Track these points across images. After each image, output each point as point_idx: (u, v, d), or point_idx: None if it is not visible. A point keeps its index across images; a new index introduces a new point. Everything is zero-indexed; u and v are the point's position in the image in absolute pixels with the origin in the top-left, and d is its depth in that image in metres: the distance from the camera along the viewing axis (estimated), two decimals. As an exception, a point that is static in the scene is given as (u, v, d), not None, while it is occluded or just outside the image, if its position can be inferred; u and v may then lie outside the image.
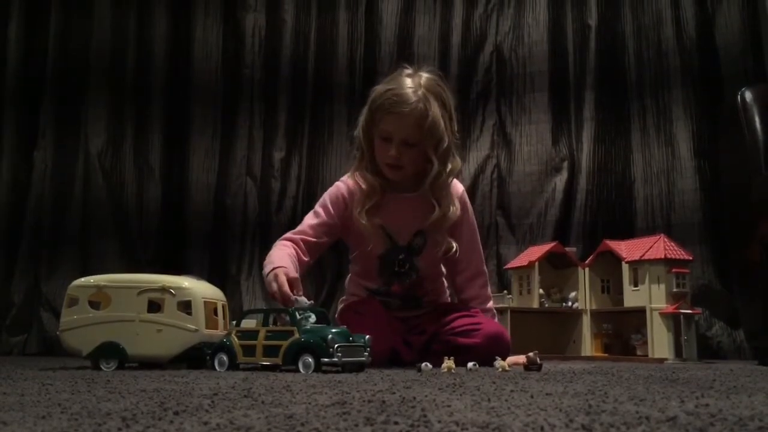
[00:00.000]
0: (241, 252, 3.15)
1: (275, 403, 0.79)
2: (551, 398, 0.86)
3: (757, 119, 2.01)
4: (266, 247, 3.07)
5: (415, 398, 0.85)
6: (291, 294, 1.64)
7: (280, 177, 3.20)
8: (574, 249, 2.67)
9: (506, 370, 1.56)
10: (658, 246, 2.31)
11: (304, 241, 1.88)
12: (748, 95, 2.05)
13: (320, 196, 3.09)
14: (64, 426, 0.60)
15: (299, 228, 1.92)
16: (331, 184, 3.09)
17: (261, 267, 3.05)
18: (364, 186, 1.87)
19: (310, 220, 1.93)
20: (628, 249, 2.42)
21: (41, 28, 3.22)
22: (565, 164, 3.02)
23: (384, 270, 1.91)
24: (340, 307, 2.04)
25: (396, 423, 0.62)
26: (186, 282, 1.64)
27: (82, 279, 1.68)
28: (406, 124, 1.79)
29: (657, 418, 0.65)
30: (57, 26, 3.22)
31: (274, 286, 1.67)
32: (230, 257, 3.15)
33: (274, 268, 1.72)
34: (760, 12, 2.76)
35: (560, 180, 3.01)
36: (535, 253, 2.60)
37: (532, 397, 0.88)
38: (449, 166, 1.86)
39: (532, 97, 3.10)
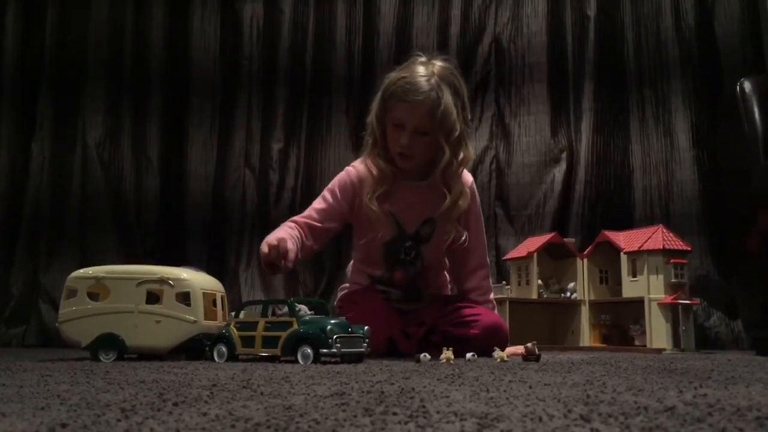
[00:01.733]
0: (240, 243, 3.15)
1: (274, 394, 0.79)
2: (550, 388, 0.86)
3: (756, 110, 2.00)
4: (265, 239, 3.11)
5: (413, 389, 0.85)
6: (276, 252, 1.64)
7: (279, 168, 3.19)
8: (572, 240, 2.67)
9: (505, 361, 1.56)
10: (657, 237, 2.32)
11: (309, 226, 1.87)
12: (747, 86, 2.05)
13: (319, 187, 3.11)
14: (63, 417, 0.60)
15: (305, 212, 1.91)
16: (329, 176, 3.09)
17: (260, 259, 3.08)
18: (375, 172, 1.86)
19: (317, 204, 1.92)
20: (626, 240, 2.43)
21: (39, 19, 3.21)
22: (564, 155, 3.01)
23: (389, 257, 1.91)
24: (339, 294, 2.04)
25: (395, 413, 0.62)
26: (185, 273, 1.64)
27: (81, 270, 1.68)
28: (418, 113, 1.79)
29: (655, 408, 0.65)
30: (54, 17, 3.20)
31: (264, 248, 1.65)
32: (229, 248, 3.15)
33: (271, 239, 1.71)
34: (759, 3, 2.76)
35: (559, 171, 3.00)
36: (533, 243, 2.60)
37: (530, 387, 0.88)
38: (461, 155, 1.86)
39: (531, 88, 3.09)
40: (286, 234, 1.76)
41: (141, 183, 3.16)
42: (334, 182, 1.93)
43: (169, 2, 3.29)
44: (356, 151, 3.14)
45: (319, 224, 1.88)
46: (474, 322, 1.83)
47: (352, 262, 2.06)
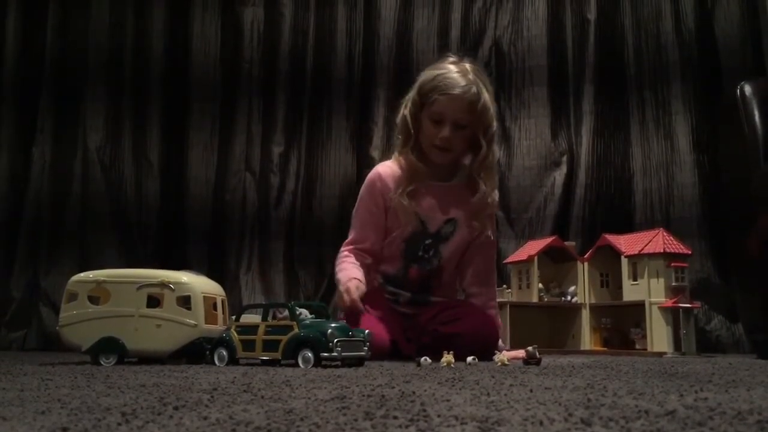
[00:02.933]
0: (241, 247, 3.15)
1: (275, 398, 0.79)
2: (550, 392, 0.86)
3: (756, 113, 2.01)
4: (265, 242, 3.12)
5: (414, 393, 0.85)
6: (359, 306, 1.73)
7: (279, 172, 3.19)
8: (573, 243, 2.67)
9: (505, 365, 1.56)
10: (657, 240, 2.31)
11: (361, 249, 1.94)
12: (748, 89, 2.05)
13: (319, 191, 3.14)
14: (64, 421, 0.60)
15: (350, 239, 1.98)
16: (330, 179, 3.15)
17: (260, 261, 3.09)
18: (407, 168, 1.91)
19: (356, 224, 1.98)
20: (627, 243, 2.42)
21: (39, 22, 3.21)
22: (564, 158, 3.01)
23: (408, 253, 1.94)
24: None
25: (395, 417, 0.62)
26: (185, 277, 1.64)
27: (82, 274, 1.68)
28: (459, 106, 1.84)
29: (656, 412, 0.65)
30: (55, 21, 3.21)
31: (346, 298, 1.74)
32: (229, 252, 3.15)
33: (349, 279, 1.81)
34: (759, 5, 2.76)
35: (559, 174, 3.00)
36: (534, 247, 2.60)
37: (531, 391, 0.88)
38: (495, 152, 1.92)
39: (531, 92, 3.09)
40: (356, 271, 1.87)
41: (141, 186, 3.17)
42: (363, 195, 1.98)
43: (169, 6, 3.30)
44: (357, 154, 3.17)
45: (368, 244, 1.95)
46: (461, 319, 1.84)
47: None
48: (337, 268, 1.93)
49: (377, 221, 1.94)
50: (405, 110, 1.93)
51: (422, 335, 1.86)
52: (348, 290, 1.77)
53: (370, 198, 1.95)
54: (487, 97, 1.87)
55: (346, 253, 1.95)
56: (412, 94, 1.92)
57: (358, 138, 3.19)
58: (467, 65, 1.90)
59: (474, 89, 1.85)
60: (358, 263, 1.91)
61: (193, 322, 1.59)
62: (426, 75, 1.91)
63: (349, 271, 1.87)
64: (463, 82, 1.85)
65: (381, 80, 3.18)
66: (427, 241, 1.93)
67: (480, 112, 1.85)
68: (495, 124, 1.90)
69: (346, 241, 1.99)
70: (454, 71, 1.87)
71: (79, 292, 1.63)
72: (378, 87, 3.17)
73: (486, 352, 1.72)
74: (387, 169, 1.96)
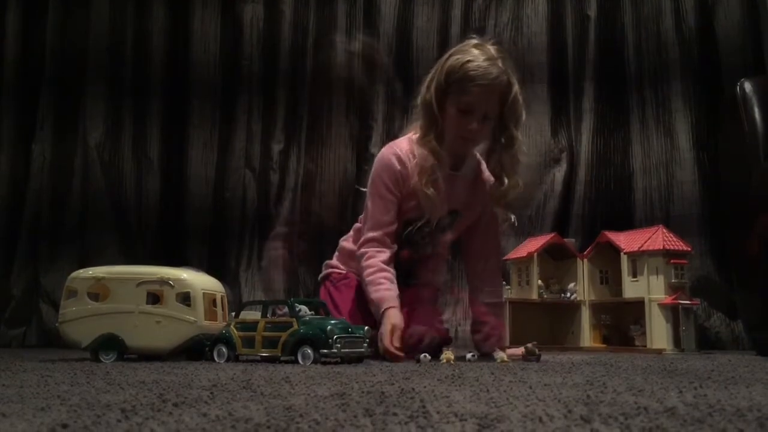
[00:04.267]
0: (240, 244, 3.15)
1: (274, 395, 0.79)
2: (550, 389, 0.86)
3: (756, 111, 2.01)
4: (265, 240, 3.11)
5: (414, 389, 0.85)
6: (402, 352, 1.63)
7: (279, 169, 3.19)
8: (572, 240, 2.67)
9: (505, 362, 1.56)
10: (657, 237, 2.31)
11: (388, 234, 1.84)
12: (748, 86, 2.05)
13: (319, 188, 3.13)
14: (64, 418, 0.60)
15: (375, 221, 1.85)
16: (329, 176, 3.14)
17: (260, 259, 3.09)
18: (432, 157, 1.80)
19: (379, 204, 1.85)
20: (627, 240, 2.42)
21: (39, 20, 3.20)
22: (564, 156, 3.01)
23: (406, 236, 1.89)
24: (328, 271, 2.05)
25: (395, 414, 0.62)
26: (185, 274, 1.64)
27: (81, 271, 1.68)
28: (490, 97, 1.76)
29: (655, 409, 0.65)
30: (55, 18, 3.20)
31: (386, 341, 1.64)
32: (229, 249, 3.15)
33: (388, 308, 1.71)
34: (760, 3, 2.76)
35: (559, 171, 3.00)
36: (534, 244, 2.60)
37: (530, 388, 0.88)
38: (522, 143, 1.86)
39: (531, 89, 3.08)
40: (393, 288, 1.77)
41: (141, 184, 3.16)
42: (384, 178, 1.85)
43: (169, 3, 3.29)
44: (356, 152, 3.16)
45: (393, 227, 1.85)
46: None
47: (346, 243, 2.06)
48: (367, 278, 1.80)
49: (397, 202, 1.85)
50: (427, 94, 1.81)
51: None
52: (386, 335, 1.65)
53: (390, 179, 1.84)
54: (517, 86, 1.79)
55: (372, 252, 1.83)
56: (437, 78, 1.79)
57: (357, 135, 3.19)
58: (493, 50, 1.78)
59: (505, 79, 1.76)
60: (389, 269, 1.81)
61: (192, 318, 1.59)
62: (453, 60, 1.77)
63: (386, 291, 1.77)
64: (494, 72, 1.74)
65: (381, 77, 3.17)
66: (426, 229, 1.89)
67: (512, 103, 1.78)
68: (524, 113, 1.83)
69: (370, 225, 1.85)
70: (482, 58, 1.75)
71: (79, 288, 1.63)
72: (378, 84, 3.17)
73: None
74: (403, 152, 1.85)
